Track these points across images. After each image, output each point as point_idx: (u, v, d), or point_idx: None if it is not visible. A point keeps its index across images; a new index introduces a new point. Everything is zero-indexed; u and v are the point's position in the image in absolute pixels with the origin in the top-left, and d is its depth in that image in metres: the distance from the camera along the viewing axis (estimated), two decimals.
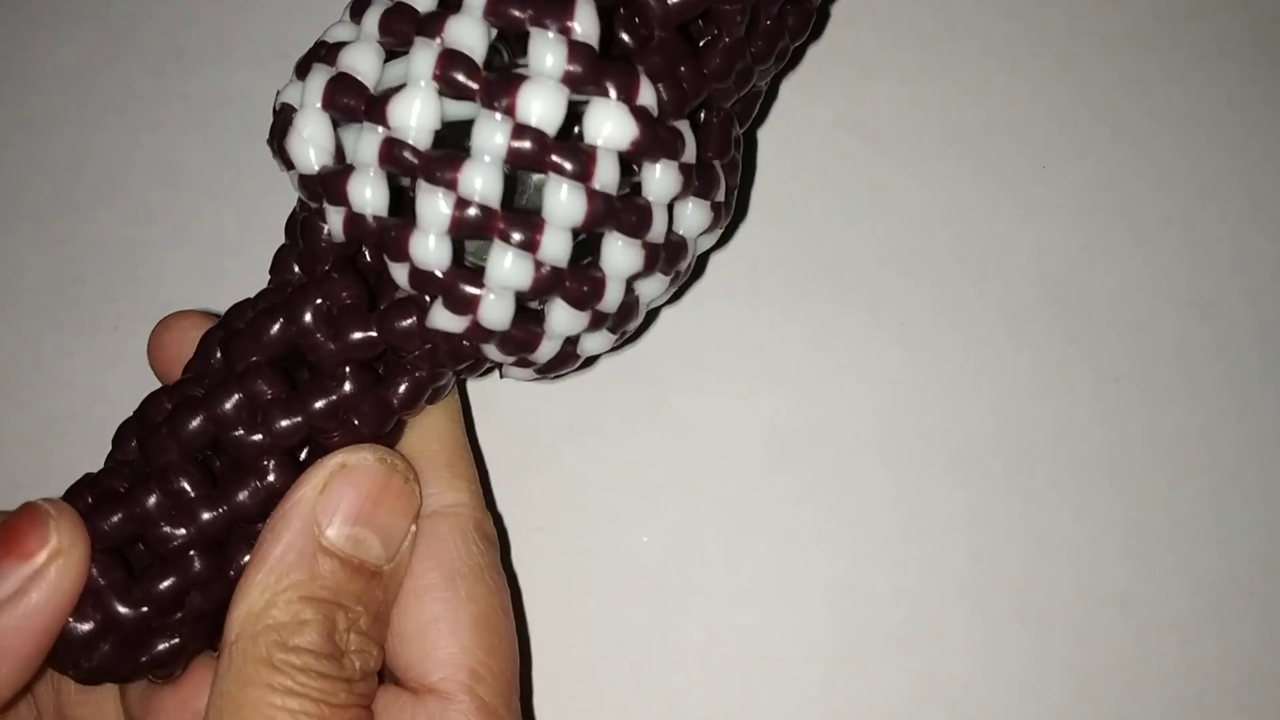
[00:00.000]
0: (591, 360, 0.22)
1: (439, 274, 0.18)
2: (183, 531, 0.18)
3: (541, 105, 0.17)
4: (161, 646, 0.19)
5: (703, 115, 0.20)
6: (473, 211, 0.17)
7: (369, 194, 0.18)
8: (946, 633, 0.24)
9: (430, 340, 0.18)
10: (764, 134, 0.26)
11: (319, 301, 0.18)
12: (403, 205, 0.18)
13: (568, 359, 0.20)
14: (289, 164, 0.18)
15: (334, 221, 0.18)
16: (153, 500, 0.18)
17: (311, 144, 0.18)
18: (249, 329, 0.19)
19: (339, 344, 0.18)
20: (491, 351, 0.19)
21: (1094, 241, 0.25)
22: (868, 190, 0.26)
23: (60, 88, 0.27)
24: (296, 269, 0.19)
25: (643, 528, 0.24)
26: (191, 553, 0.18)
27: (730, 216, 0.21)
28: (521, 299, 0.18)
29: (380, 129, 0.17)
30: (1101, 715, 0.23)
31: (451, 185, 0.17)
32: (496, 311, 0.18)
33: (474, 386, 0.25)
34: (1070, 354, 0.25)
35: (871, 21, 0.26)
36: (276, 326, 0.18)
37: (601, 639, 0.23)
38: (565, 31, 0.17)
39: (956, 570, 0.24)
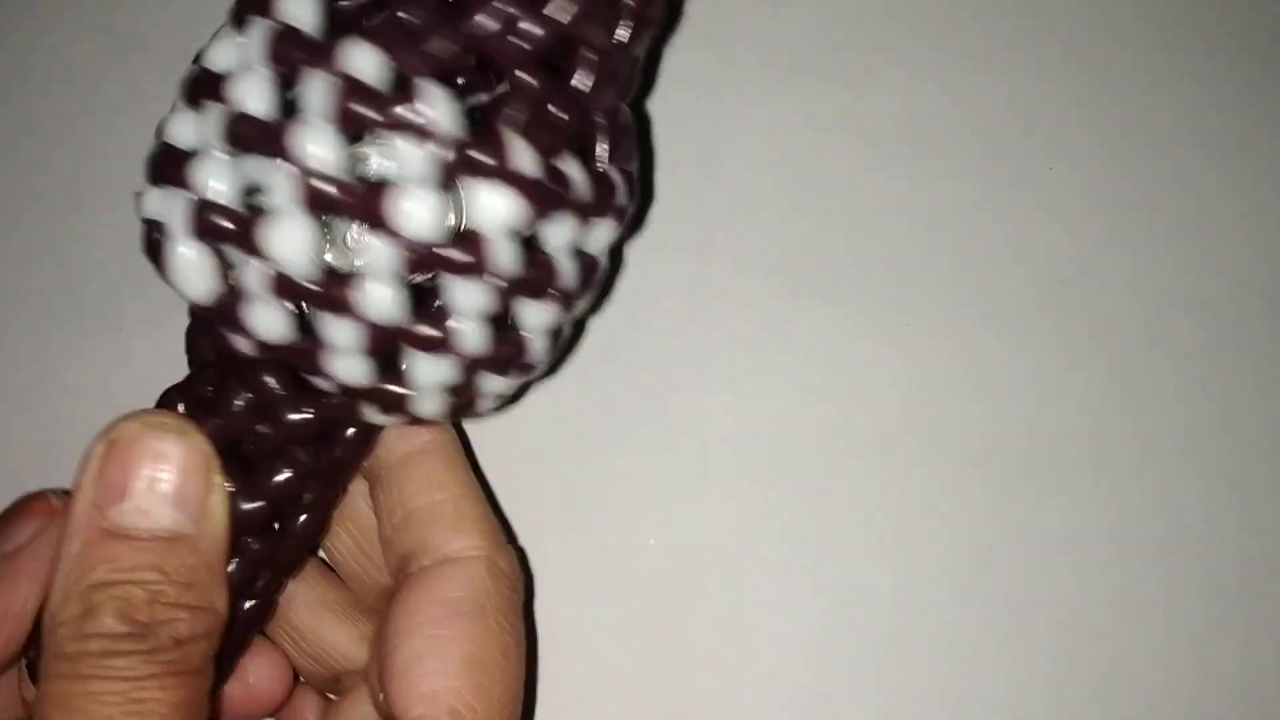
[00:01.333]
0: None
1: (366, 385, 0.18)
2: None
3: (425, 213, 0.16)
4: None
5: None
6: (383, 327, 0.17)
7: (270, 324, 0.17)
8: (952, 635, 0.24)
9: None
10: (767, 134, 0.26)
11: (249, 396, 0.18)
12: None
13: (468, 399, 0.19)
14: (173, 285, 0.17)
15: (241, 345, 0.18)
16: None
17: (195, 272, 0.17)
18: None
19: (279, 430, 0.18)
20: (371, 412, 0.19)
21: (1103, 241, 0.25)
22: (872, 192, 0.25)
23: (67, 89, 0.26)
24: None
25: (649, 531, 0.24)
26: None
27: (637, 200, 0.20)
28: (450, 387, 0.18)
29: (265, 264, 0.16)
30: (1116, 716, 0.24)
31: (353, 310, 0.17)
32: (428, 406, 0.18)
33: None
34: (1076, 356, 0.25)
35: (875, 21, 0.26)
36: (211, 427, 0.18)
37: (608, 642, 0.24)
38: (426, 124, 0.16)
39: (963, 573, 0.24)
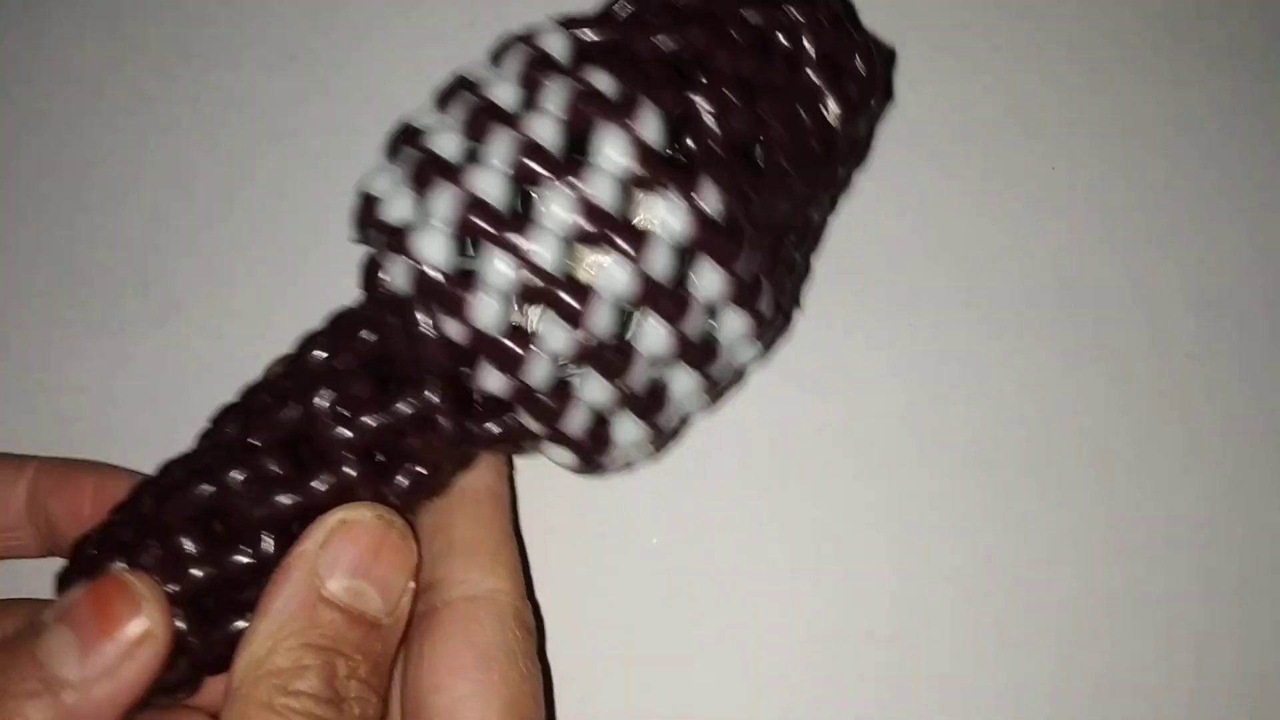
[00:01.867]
0: (630, 461, 0.22)
1: (490, 335, 0.19)
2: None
3: (605, 190, 0.19)
4: (236, 625, 0.19)
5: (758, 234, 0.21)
6: (529, 274, 0.19)
7: (430, 250, 0.19)
8: (950, 635, 0.24)
9: (431, 428, 0.20)
10: None
11: (335, 393, 0.20)
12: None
13: (602, 444, 0.21)
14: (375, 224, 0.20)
15: (396, 274, 0.20)
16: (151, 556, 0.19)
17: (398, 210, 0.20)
18: (268, 409, 0.20)
19: (351, 430, 0.19)
20: (528, 419, 0.20)
21: (1106, 241, 0.26)
22: (878, 190, 0.26)
23: (70, 90, 0.27)
24: (316, 360, 0.20)
25: (652, 530, 0.24)
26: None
27: (776, 332, 0.22)
28: (560, 365, 0.19)
29: (458, 189, 0.19)
30: (1117, 716, 0.23)
31: (516, 249, 0.19)
32: (537, 371, 0.19)
33: None
34: (1084, 354, 0.25)
35: (881, 22, 0.26)
36: (291, 411, 0.20)
37: (611, 640, 0.24)
38: (632, 132, 0.19)
39: (960, 573, 0.24)
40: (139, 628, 0.18)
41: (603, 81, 0.20)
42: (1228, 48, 0.27)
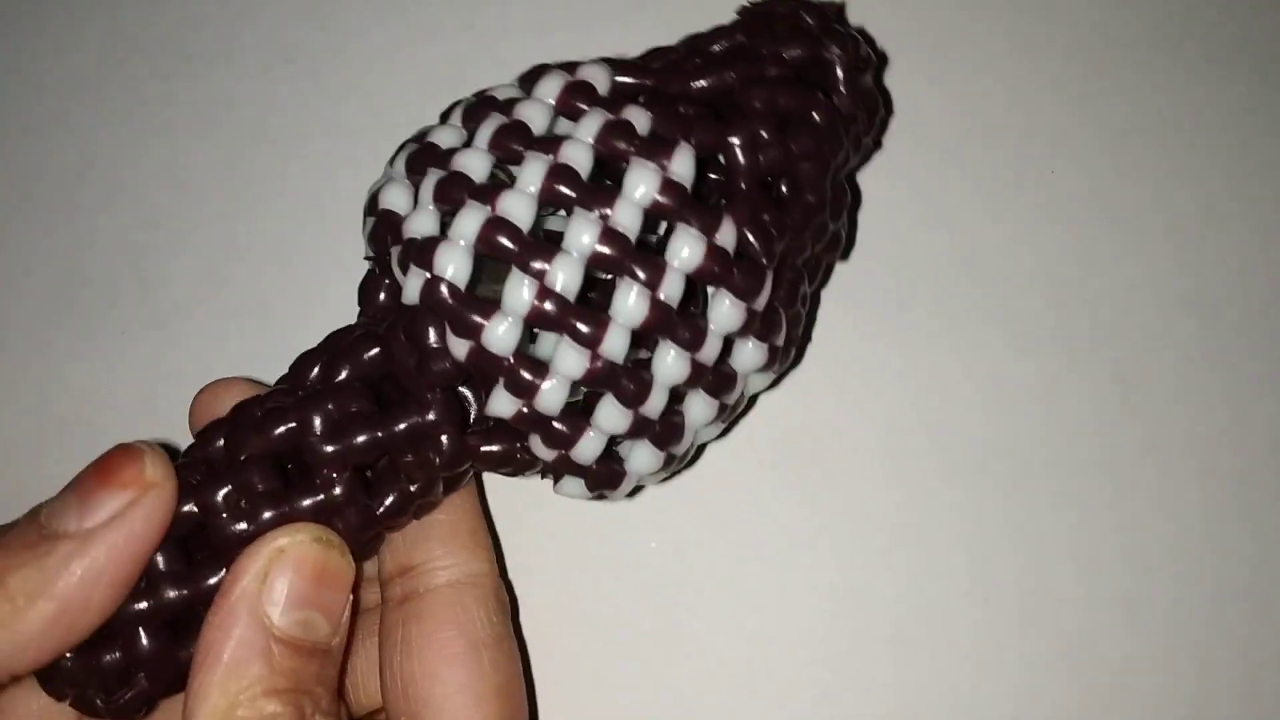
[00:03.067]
0: (640, 487, 0.22)
1: (507, 359, 0.19)
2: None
3: (628, 218, 0.19)
4: (213, 579, 0.19)
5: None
6: (549, 305, 0.19)
7: (454, 265, 0.19)
8: (949, 637, 0.24)
9: (430, 446, 0.20)
10: None
11: (329, 407, 0.20)
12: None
13: (614, 475, 0.21)
14: (396, 238, 0.20)
15: (412, 286, 0.19)
16: None
17: (424, 225, 0.20)
18: (258, 424, 0.20)
19: (342, 445, 0.19)
20: (537, 444, 0.20)
21: (1102, 245, 0.26)
22: (875, 194, 0.26)
23: (67, 92, 0.27)
24: (312, 376, 0.21)
25: (650, 534, 0.24)
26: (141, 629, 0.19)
27: (788, 364, 0.22)
28: (575, 390, 0.20)
29: (486, 207, 0.19)
30: (1112, 719, 0.24)
31: (539, 275, 0.19)
32: (551, 398, 0.19)
33: None
34: (1074, 359, 0.25)
35: (875, 26, 0.27)
36: (283, 427, 0.20)
37: (608, 644, 0.24)
38: (663, 168, 0.19)
39: (959, 575, 0.24)
40: (138, 478, 0.18)
41: (637, 117, 0.20)
42: (1228, 50, 0.27)
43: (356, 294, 0.22)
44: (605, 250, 0.19)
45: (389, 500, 0.20)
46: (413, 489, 0.20)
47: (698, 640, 0.24)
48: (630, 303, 0.19)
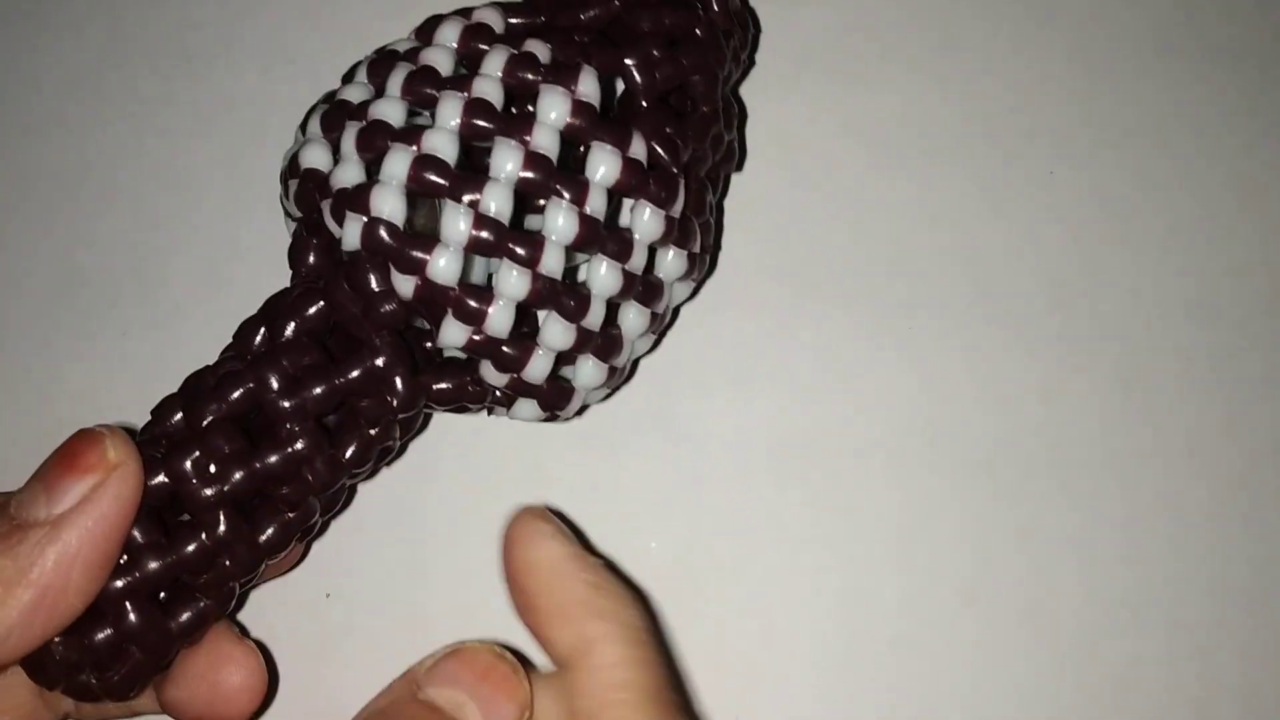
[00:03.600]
0: (585, 406, 0.23)
1: (453, 288, 0.20)
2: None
3: (547, 141, 0.20)
4: (187, 614, 0.20)
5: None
6: (486, 233, 0.20)
7: (389, 205, 0.20)
8: (952, 638, 0.24)
9: (385, 389, 0.20)
10: (770, 137, 0.27)
11: (283, 364, 0.20)
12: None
13: (563, 392, 0.22)
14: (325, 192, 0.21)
15: (350, 233, 0.20)
16: None
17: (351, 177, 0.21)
18: (214, 391, 0.20)
19: (300, 398, 0.20)
20: (489, 373, 0.21)
21: (1103, 246, 0.26)
22: (872, 196, 0.26)
23: (67, 92, 0.27)
24: (258, 340, 0.21)
25: (650, 535, 0.24)
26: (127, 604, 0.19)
27: (704, 272, 0.24)
28: (520, 311, 0.21)
29: (411, 148, 0.20)
30: (1119, 718, 0.24)
31: (472, 205, 0.20)
32: (500, 320, 0.20)
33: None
34: (1076, 359, 0.25)
35: (875, 26, 0.27)
36: (240, 389, 0.20)
37: None
38: (571, 91, 0.21)
39: (962, 576, 0.24)
40: (101, 461, 0.18)
41: (538, 48, 0.21)
42: (1227, 50, 0.27)
43: (286, 258, 0.22)
44: (530, 175, 0.20)
45: (352, 447, 0.21)
46: (372, 433, 0.21)
47: (699, 642, 0.24)
48: (561, 221, 0.20)
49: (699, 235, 0.23)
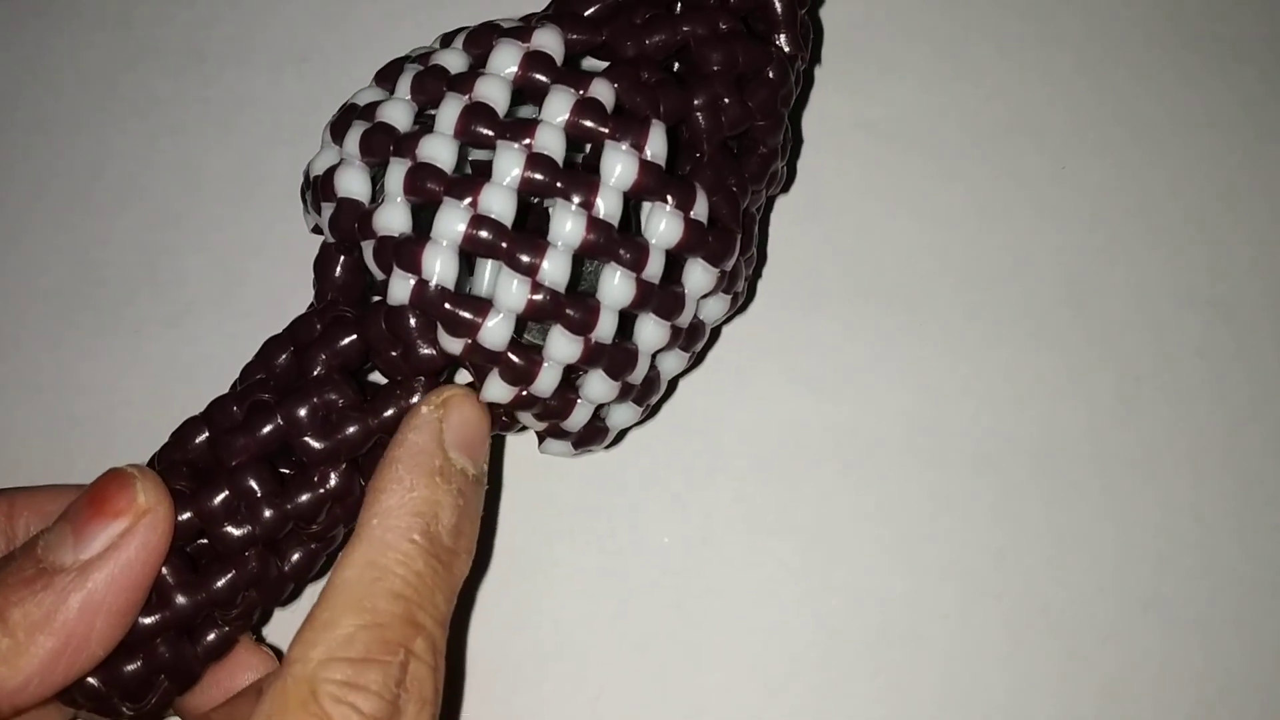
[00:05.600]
0: (620, 436, 0.23)
1: (503, 350, 0.20)
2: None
3: (611, 206, 0.19)
4: (212, 636, 0.20)
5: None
6: (541, 296, 0.19)
7: (444, 268, 0.19)
8: (969, 634, 0.24)
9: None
10: None
11: (315, 401, 0.20)
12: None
13: (597, 433, 0.22)
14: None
15: (398, 289, 0.19)
16: None
17: (398, 213, 0.19)
18: (244, 424, 0.20)
19: (334, 441, 0.20)
20: (528, 419, 0.21)
21: (1114, 242, 0.26)
22: (887, 191, 0.26)
23: (81, 92, 0.27)
24: (282, 360, 0.20)
25: (663, 529, 0.25)
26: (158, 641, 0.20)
27: (743, 290, 0.24)
28: (568, 370, 0.20)
29: (464, 204, 0.19)
30: (1126, 716, 0.24)
31: (530, 271, 0.19)
32: (548, 381, 0.20)
33: None
34: (1091, 354, 0.25)
35: (890, 22, 0.27)
36: (270, 426, 0.20)
37: (622, 640, 0.24)
38: (639, 148, 0.19)
39: (978, 571, 0.24)
40: (131, 505, 0.18)
41: (603, 91, 0.20)
42: (1235, 49, 0.27)
43: (312, 269, 0.21)
44: (592, 237, 0.19)
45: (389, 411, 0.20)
46: None
47: (712, 637, 0.24)
48: (616, 282, 0.20)
49: (744, 273, 0.22)
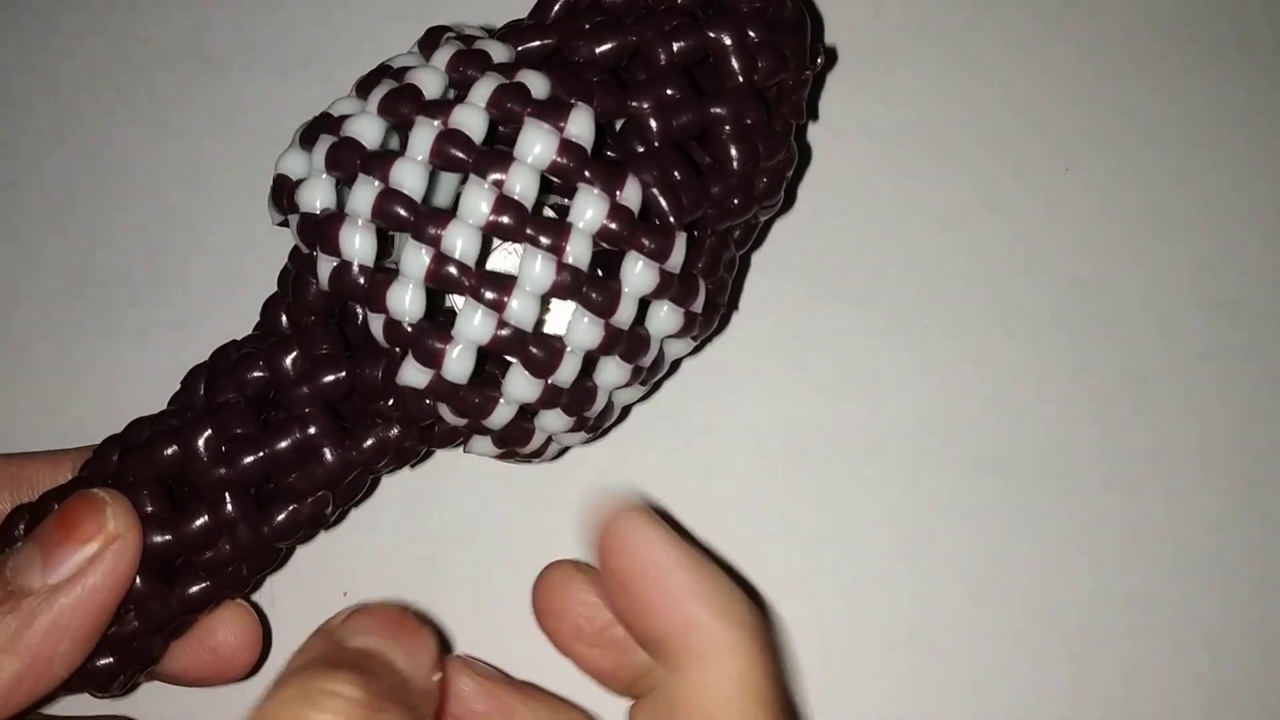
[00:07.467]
0: (562, 450, 0.22)
1: (409, 326, 0.19)
2: None
3: (523, 184, 0.19)
4: (194, 589, 0.20)
5: (696, 233, 0.21)
6: (450, 268, 0.19)
7: (358, 243, 0.19)
8: (976, 635, 0.24)
9: (397, 395, 0.20)
10: None
11: (297, 351, 0.20)
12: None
13: (525, 434, 0.20)
14: (292, 208, 0.20)
15: (323, 271, 0.19)
16: None
17: (318, 196, 0.20)
18: (231, 369, 0.20)
19: (310, 385, 0.20)
20: (446, 413, 0.20)
21: (1117, 243, 0.26)
22: (889, 191, 0.26)
23: (85, 93, 0.27)
24: (284, 319, 0.21)
25: None
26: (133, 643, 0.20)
27: (710, 330, 0.22)
28: (483, 356, 0.19)
29: (376, 182, 0.19)
30: (1136, 717, 0.24)
31: (435, 241, 0.19)
32: (458, 366, 0.19)
33: None
34: (1092, 356, 0.25)
35: (892, 22, 0.27)
36: (256, 370, 0.20)
37: None
38: (559, 130, 0.19)
39: (977, 574, 0.24)
40: (100, 531, 0.18)
41: (534, 81, 0.19)
42: (1241, 47, 0.27)
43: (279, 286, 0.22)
44: (503, 218, 0.19)
45: (367, 443, 0.20)
46: (389, 434, 0.20)
47: None
48: (536, 267, 0.19)
49: (702, 293, 0.21)
